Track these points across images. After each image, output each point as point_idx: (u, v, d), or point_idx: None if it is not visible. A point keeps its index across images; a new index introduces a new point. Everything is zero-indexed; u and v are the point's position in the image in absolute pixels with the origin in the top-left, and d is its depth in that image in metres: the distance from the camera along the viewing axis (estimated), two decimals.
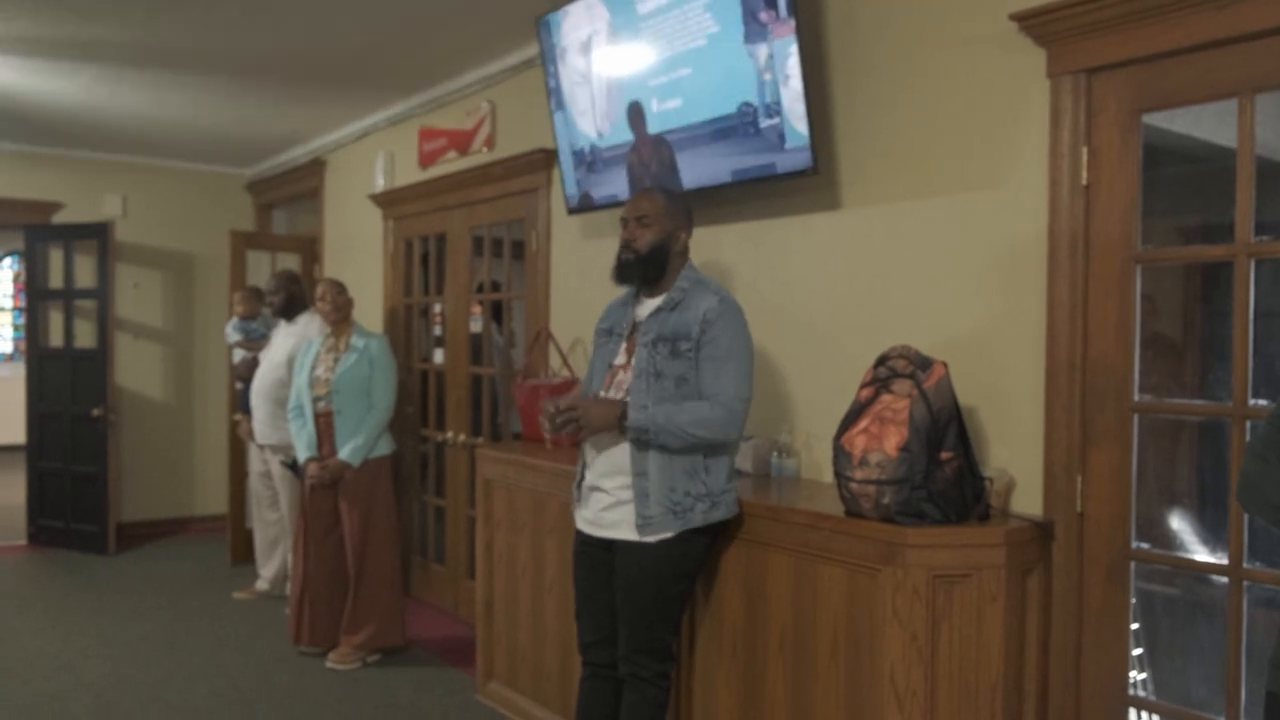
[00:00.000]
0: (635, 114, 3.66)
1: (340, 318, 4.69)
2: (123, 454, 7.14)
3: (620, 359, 2.86)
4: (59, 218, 7.17)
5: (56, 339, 7.06)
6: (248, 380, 5.56)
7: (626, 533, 2.75)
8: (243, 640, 4.89)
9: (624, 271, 2.86)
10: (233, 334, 6.02)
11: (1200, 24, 2.31)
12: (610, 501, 2.79)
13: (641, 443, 2.67)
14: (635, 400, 2.71)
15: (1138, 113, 2.47)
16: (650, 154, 3.64)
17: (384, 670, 4.51)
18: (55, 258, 7.06)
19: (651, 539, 2.71)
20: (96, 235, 6.80)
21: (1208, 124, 2.79)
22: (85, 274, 6.95)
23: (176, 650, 4.73)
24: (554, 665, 3.62)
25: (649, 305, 2.87)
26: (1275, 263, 2.81)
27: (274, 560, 5.69)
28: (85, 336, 6.94)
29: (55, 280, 7.07)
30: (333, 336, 4.71)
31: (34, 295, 7.14)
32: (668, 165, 3.55)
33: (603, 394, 2.85)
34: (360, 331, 4.72)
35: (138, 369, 7.38)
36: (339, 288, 4.73)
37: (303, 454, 4.61)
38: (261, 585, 5.71)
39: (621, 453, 2.75)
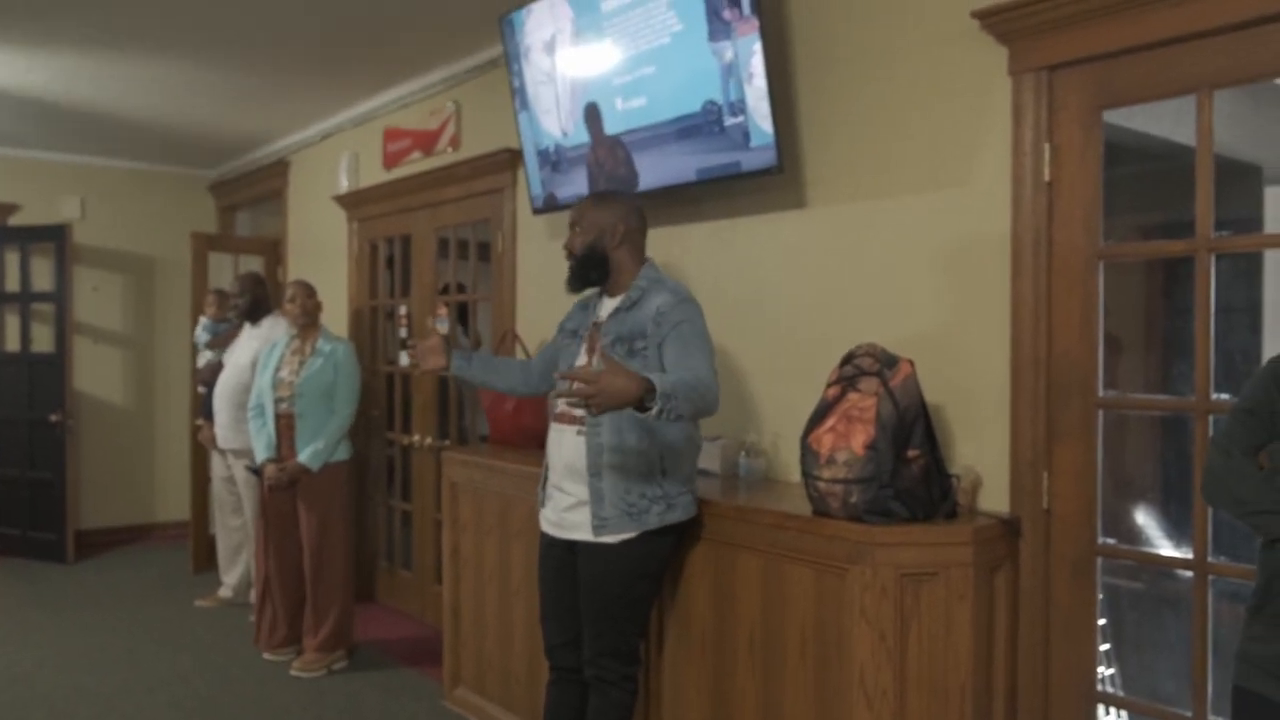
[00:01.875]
0: (592, 115, 3.64)
1: (308, 321, 4.65)
2: (82, 460, 7.00)
3: (582, 360, 2.84)
4: (15, 220, 7.03)
5: (13, 343, 6.92)
6: (211, 384, 5.48)
7: (588, 534, 2.73)
8: (204, 648, 4.81)
9: (570, 279, 2.87)
10: (203, 335, 5.94)
11: (1157, 20, 2.32)
12: (572, 502, 2.77)
13: (661, 418, 2.37)
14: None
15: (1098, 109, 2.48)
16: (606, 155, 3.62)
17: (349, 677, 4.45)
18: (11, 260, 6.92)
19: (613, 539, 2.69)
20: (54, 237, 6.67)
21: (1166, 122, 2.82)
22: (42, 277, 6.81)
23: (136, 660, 4.64)
24: (521, 669, 3.58)
25: (609, 305, 2.85)
26: (1235, 258, 2.84)
27: (237, 567, 5.61)
28: (43, 341, 6.80)
29: (11, 284, 6.92)
30: (298, 339, 4.66)
31: None
32: (623, 166, 3.53)
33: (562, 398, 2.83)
34: (327, 336, 4.67)
35: (97, 373, 7.25)
36: (309, 290, 4.68)
37: (261, 454, 4.56)
38: (225, 592, 5.63)
39: (580, 454, 2.73)
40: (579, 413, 2.75)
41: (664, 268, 3.27)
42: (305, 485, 4.48)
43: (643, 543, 2.70)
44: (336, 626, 4.55)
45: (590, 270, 2.82)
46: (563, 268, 2.96)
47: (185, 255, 6.55)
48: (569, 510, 2.78)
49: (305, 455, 4.43)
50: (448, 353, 2.97)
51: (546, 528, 2.89)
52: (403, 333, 5.63)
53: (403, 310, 5.59)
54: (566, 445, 2.78)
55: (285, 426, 4.51)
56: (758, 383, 3.34)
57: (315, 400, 4.48)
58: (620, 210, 2.85)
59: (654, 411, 2.33)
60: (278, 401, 4.51)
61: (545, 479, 2.91)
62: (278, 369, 4.59)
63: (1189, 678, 2.39)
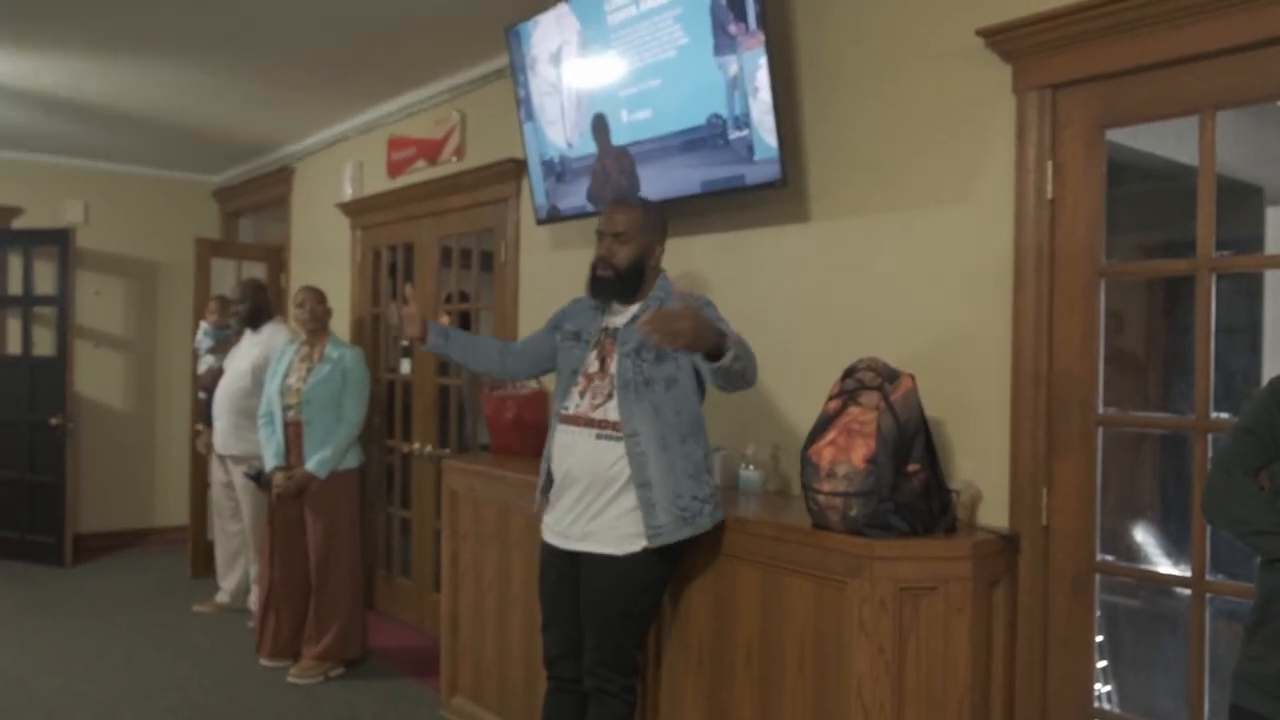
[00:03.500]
0: (599, 126, 3.66)
1: (317, 327, 4.65)
2: (81, 464, 7.01)
3: (594, 366, 2.81)
4: (19, 223, 7.05)
5: (14, 346, 6.94)
6: (211, 390, 5.49)
7: (595, 545, 2.73)
8: (202, 654, 4.81)
9: (600, 287, 2.81)
10: (204, 340, 5.95)
11: (1159, 42, 2.34)
12: (584, 508, 2.75)
13: (733, 365, 2.46)
14: (625, 412, 2.68)
15: (1101, 128, 2.50)
16: (613, 165, 3.64)
17: (346, 684, 4.45)
18: (14, 263, 6.94)
19: (620, 551, 2.69)
20: (57, 241, 6.69)
21: (1170, 142, 2.84)
22: (45, 280, 6.83)
23: (133, 664, 4.64)
24: (519, 679, 3.58)
25: (625, 313, 2.83)
26: (1236, 278, 2.86)
27: (235, 572, 5.61)
28: (44, 344, 6.82)
29: (14, 287, 6.94)
30: (307, 345, 4.66)
31: None
32: (629, 177, 3.55)
33: (577, 399, 2.82)
34: (335, 342, 4.67)
35: (98, 377, 7.25)
36: (319, 296, 4.69)
37: (270, 462, 4.56)
38: (222, 598, 5.63)
39: (604, 463, 2.70)
40: (596, 415, 2.73)
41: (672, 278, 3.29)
42: (313, 493, 4.48)
43: (650, 556, 2.70)
44: (337, 639, 4.53)
45: (629, 286, 2.79)
46: (566, 277, 2.98)
47: (188, 260, 6.56)
48: (577, 521, 2.77)
49: (312, 463, 4.43)
50: (425, 326, 2.91)
51: (550, 537, 2.88)
52: (404, 341, 5.64)
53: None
54: (582, 449, 2.75)
55: (293, 434, 4.51)
56: (759, 395, 3.34)
57: (322, 407, 4.48)
58: (662, 232, 2.88)
59: (728, 358, 2.42)
60: (285, 409, 4.52)
61: (547, 484, 2.89)
62: (286, 376, 4.59)
63: (1186, 696, 2.39)
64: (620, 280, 2.78)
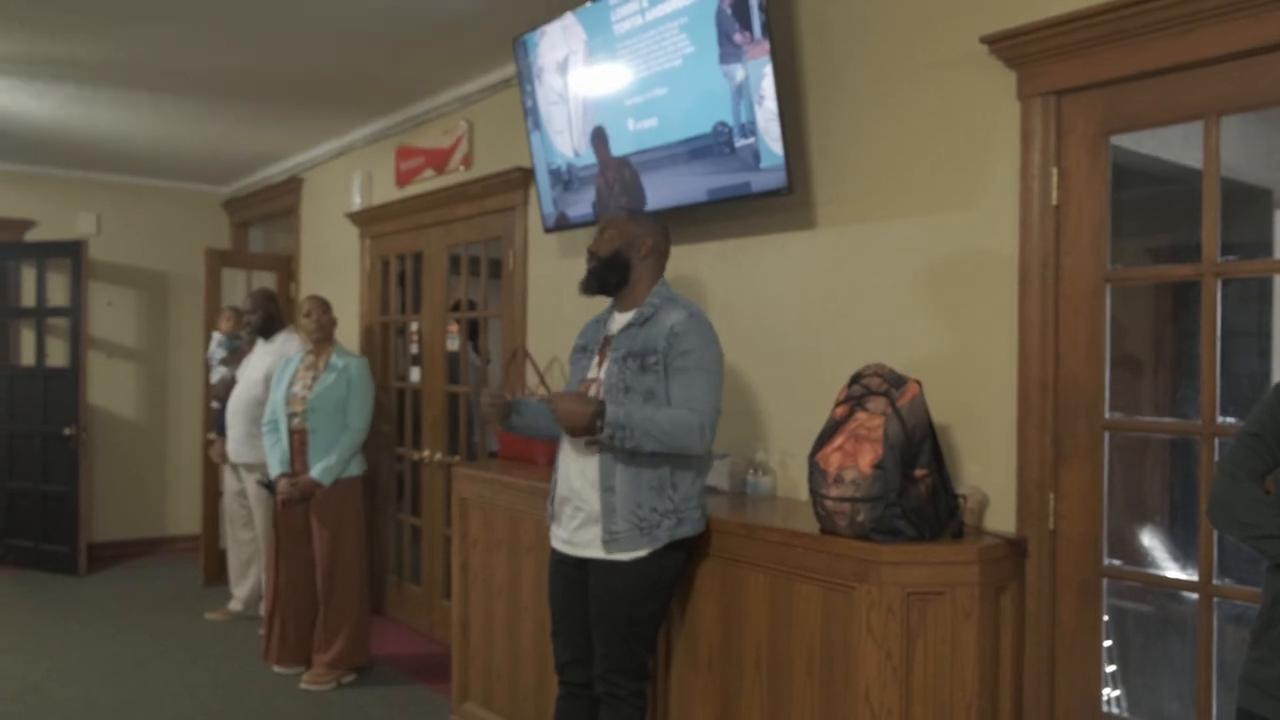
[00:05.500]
0: (599, 139, 3.70)
1: (323, 336, 4.68)
2: (95, 473, 7.06)
3: (593, 373, 2.87)
4: (31, 235, 7.11)
5: (28, 357, 7.00)
6: (224, 400, 5.53)
7: (600, 551, 2.75)
8: (214, 661, 4.84)
9: (587, 280, 2.91)
10: (218, 350, 6.00)
11: (1164, 48, 2.35)
12: (582, 518, 2.79)
13: (614, 444, 2.60)
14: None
15: (1106, 134, 2.51)
16: (614, 177, 3.67)
17: (358, 691, 4.47)
18: (27, 275, 7.01)
19: (625, 557, 2.71)
20: (70, 253, 6.74)
21: (1176, 146, 2.84)
22: (58, 292, 6.89)
23: (146, 671, 4.67)
24: (530, 685, 3.60)
25: (621, 320, 2.89)
26: (1242, 282, 2.86)
27: (247, 580, 5.64)
28: (58, 355, 6.88)
29: (27, 298, 7.01)
30: (312, 354, 4.70)
31: (5, 313, 7.08)
32: (631, 187, 3.58)
33: None
34: (341, 351, 4.71)
35: (111, 388, 7.31)
36: (324, 306, 4.72)
37: (275, 469, 4.59)
38: (235, 605, 5.66)
39: (593, 467, 2.75)
40: None
41: (674, 285, 3.31)
42: (318, 501, 4.50)
43: (653, 561, 2.72)
44: (347, 646, 4.55)
45: (610, 275, 2.86)
46: (573, 285, 3.00)
47: (199, 271, 6.61)
48: (581, 528, 2.80)
49: (317, 470, 4.46)
50: (507, 412, 2.95)
51: (557, 545, 2.91)
52: (414, 349, 5.67)
53: (414, 327, 5.64)
54: (575, 457, 2.81)
55: (299, 442, 4.54)
56: (766, 401, 3.36)
57: (327, 415, 4.51)
58: (651, 228, 2.92)
59: (603, 436, 2.58)
60: (291, 416, 4.55)
61: (554, 495, 2.93)
62: (291, 384, 4.62)
63: (1194, 700, 2.39)
64: (602, 268, 2.87)
